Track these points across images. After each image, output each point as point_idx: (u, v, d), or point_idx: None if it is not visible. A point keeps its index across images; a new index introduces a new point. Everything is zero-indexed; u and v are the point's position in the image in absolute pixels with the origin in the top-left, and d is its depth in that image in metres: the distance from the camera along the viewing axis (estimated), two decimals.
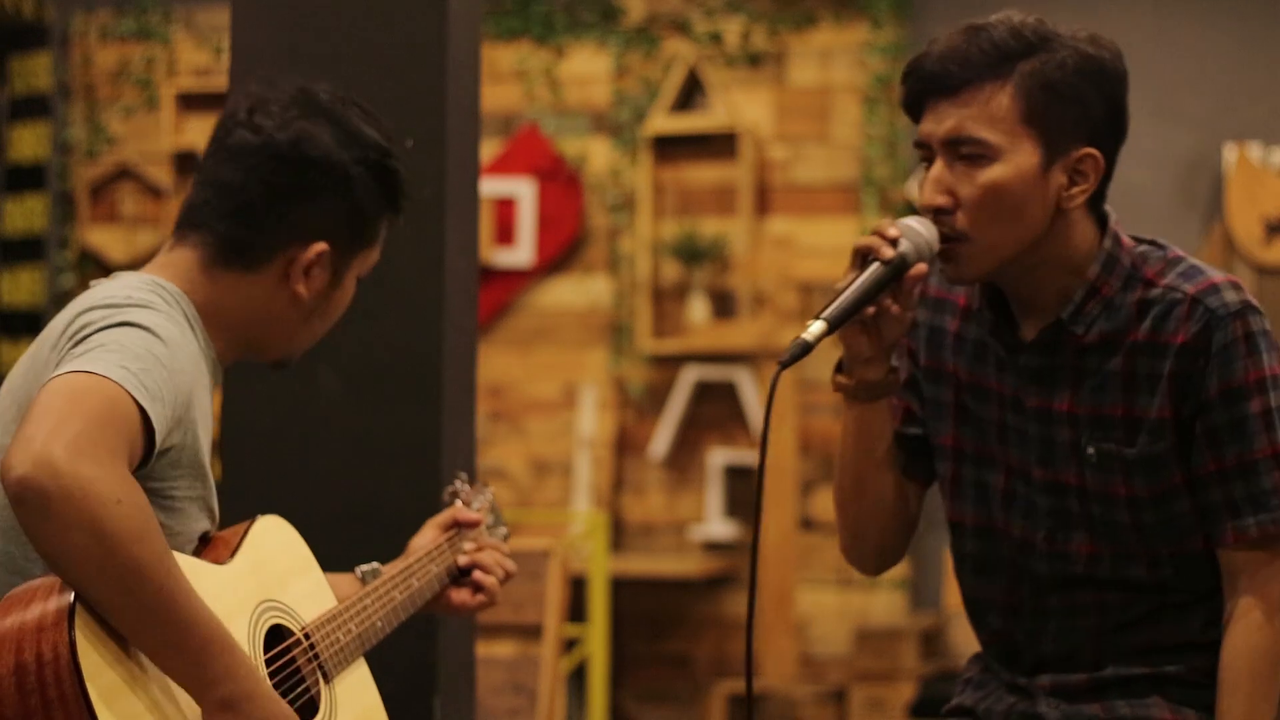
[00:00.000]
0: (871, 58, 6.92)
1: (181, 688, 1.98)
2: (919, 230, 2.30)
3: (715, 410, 7.01)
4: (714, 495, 6.92)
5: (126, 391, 1.97)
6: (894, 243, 2.29)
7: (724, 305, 7.03)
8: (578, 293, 7.17)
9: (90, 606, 1.91)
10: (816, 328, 2.25)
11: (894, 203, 6.86)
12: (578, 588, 6.35)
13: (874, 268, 2.29)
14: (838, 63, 6.99)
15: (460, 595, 2.62)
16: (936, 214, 2.31)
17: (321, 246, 2.29)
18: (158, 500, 2.10)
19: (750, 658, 2.20)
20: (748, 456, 6.90)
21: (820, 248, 6.96)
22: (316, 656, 2.27)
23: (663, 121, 7.01)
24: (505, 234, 7.15)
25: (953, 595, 6.68)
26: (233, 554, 2.21)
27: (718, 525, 6.89)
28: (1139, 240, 2.40)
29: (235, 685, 1.98)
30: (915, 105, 2.35)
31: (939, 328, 2.47)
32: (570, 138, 7.17)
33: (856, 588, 6.84)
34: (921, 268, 2.30)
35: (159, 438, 2.02)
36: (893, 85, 6.91)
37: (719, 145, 7.01)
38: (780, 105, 7.03)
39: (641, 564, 6.88)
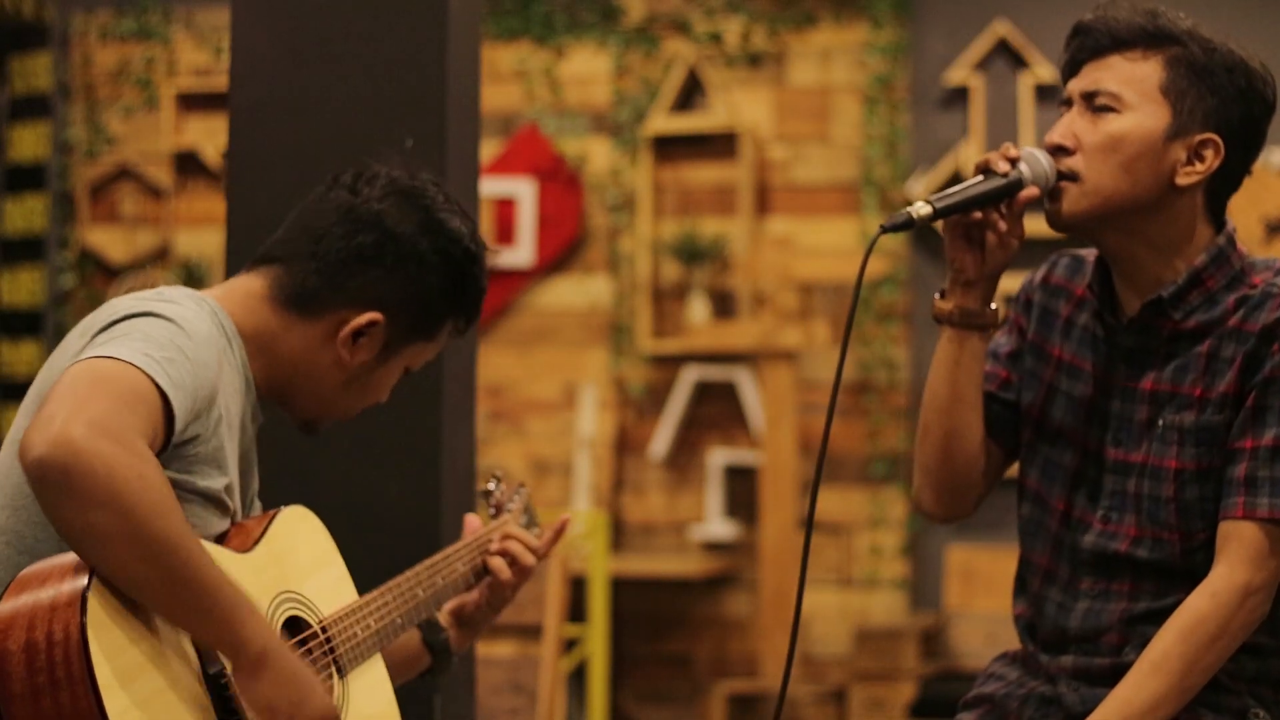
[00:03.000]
0: (871, 58, 6.92)
1: (217, 651, 2.02)
2: (1040, 159, 2.42)
3: (715, 410, 7.01)
4: (714, 495, 6.92)
5: (149, 377, 1.99)
6: (1013, 163, 2.41)
7: (724, 305, 7.03)
8: (578, 293, 7.17)
9: (106, 588, 1.92)
10: (924, 209, 2.37)
11: (894, 203, 6.86)
12: (578, 588, 6.35)
13: (990, 179, 2.41)
14: (838, 63, 6.99)
15: (492, 584, 2.65)
16: (1057, 151, 2.42)
17: (374, 315, 2.33)
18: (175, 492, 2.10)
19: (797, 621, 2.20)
20: (748, 456, 6.90)
21: (820, 248, 6.96)
22: (332, 650, 2.28)
23: (663, 121, 7.01)
24: (505, 234, 7.15)
25: (953, 595, 6.68)
26: (255, 543, 2.23)
27: (718, 525, 6.89)
28: (1257, 258, 2.48)
29: (262, 644, 2.03)
30: (1073, 67, 2.46)
31: (1052, 311, 2.56)
32: (570, 138, 7.17)
33: (856, 588, 6.84)
34: (1033, 190, 2.41)
35: (179, 425, 2.03)
36: (893, 85, 6.91)
37: (719, 145, 7.01)
38: (780, 105, 7.03)
39: (641, 564, 6.88)
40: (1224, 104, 2.40)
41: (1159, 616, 2.38)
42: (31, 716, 1.87)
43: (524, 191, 7.14)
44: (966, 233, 2.44)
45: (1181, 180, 2.40)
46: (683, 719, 6.99)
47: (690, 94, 7.08)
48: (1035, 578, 2.52)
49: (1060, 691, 2.44)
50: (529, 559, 2.66)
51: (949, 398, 2.51)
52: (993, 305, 2.49)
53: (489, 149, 7.07)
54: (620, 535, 7.07)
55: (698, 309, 6.94)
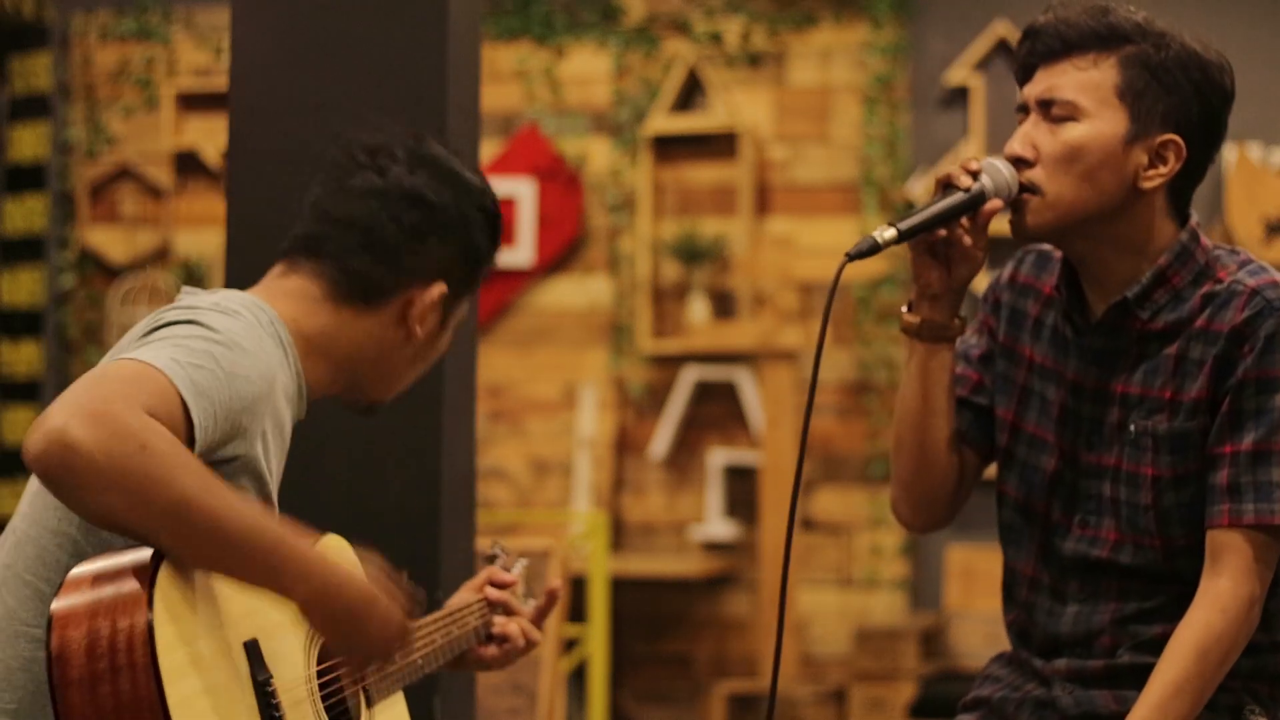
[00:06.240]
0: (871, 58, 6.92)
1: (268, 592, 2.01)
2: (1001, 169, 2.38)
3: (715, 410, 7.01)
4: (714, 495, 6.92)
5: (168, 379, 1.96)
6: (975, 175, 2.37)
7: (724, 305, 7.03)
8: (578, 293, 7.17)
9: (169, 584, 1.92)
10: (888, 233, 2.34)
11: (894, 203, 6.86)
12: (578, 588, 6.35)
13: (952, 194, 2.38)
14: (838, 63, 6.99)
15: (488, 650, 2.71)
16: (1017, 162, 2.38)
17: (441, 288, 2.35)
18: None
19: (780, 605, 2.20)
20: (748, 456, 6.90)
21: (820, 248, 6.96)
22: (363, 678, 2.29)
23: (663, 121, 7.01)
24: (505, 234, 7.13)
25: (953, 595, 6.68)
26: None
27: (718, 525, 6.89)
28: (1219, 246, 2.45)
29: (312, 583, 2.00)
30: (1026, 71, 2.42)
31: (1021, 310, 2.53)
32: (570, 138, 7.17)
33: (856, 588, 6.84)
34: (997, 203, 2.37)
35: (199, 434, 1.99)
36: (893, 85, 6.91)
37: (719, 145, 7.01)
38: (780, 105, 7.03)
39: (641, 564, 6.88)
40: (1182, 102, 2.37)
41: (1150, 616, 2.39)
42: (87, 703, 1.87)
43: (524, 191, 7.14)
44: (931, 249, 2.41)
45: (1145, 184, 2.37)
46: (683, 719, 6.99)
47: (690, 94, 7.08)
48: (1022, 586, 2.51)
49: (1055, 695, 2.44)
50: (536, 637, 2.74)
51: (920, 410, 2.50)
52: (960, 315, 2.47)
53: (489, 149, 7.06)
54: (620, 535, 7.07)
55: (698, 309, 6.94)
